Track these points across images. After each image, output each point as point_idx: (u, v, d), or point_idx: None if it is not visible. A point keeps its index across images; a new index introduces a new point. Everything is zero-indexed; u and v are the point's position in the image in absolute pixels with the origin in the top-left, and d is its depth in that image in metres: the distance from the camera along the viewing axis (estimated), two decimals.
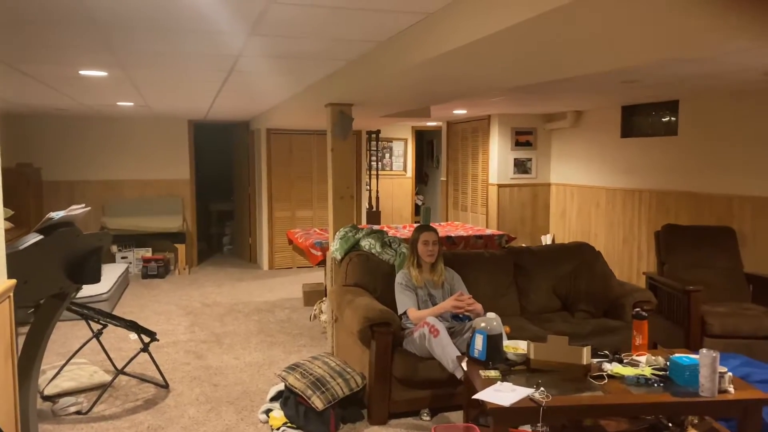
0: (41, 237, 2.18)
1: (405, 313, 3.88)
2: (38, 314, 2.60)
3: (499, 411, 2.67)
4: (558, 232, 8.03)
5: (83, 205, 2.44)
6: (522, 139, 7.96)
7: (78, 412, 3.83)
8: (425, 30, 2.77)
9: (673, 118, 6.09)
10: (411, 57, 2.98)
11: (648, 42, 2.38)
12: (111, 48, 3.40)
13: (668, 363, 3.03)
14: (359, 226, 4.78)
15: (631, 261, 6.65)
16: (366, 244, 4.51)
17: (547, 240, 8.08)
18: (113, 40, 3.19)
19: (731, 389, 2.82)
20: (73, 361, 4.39)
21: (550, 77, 3.29)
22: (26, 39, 3.19)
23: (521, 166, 7.98)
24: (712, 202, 5.57)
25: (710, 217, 5.56)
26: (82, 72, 4.20)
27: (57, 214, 2.22)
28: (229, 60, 3.75)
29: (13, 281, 1.74)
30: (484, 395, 2.78)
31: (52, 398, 3.99)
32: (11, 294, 1.74)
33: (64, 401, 3.89)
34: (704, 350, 2.78)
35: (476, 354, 3.21)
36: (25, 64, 3.95)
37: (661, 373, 2.99)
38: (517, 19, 2.08)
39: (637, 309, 3.45)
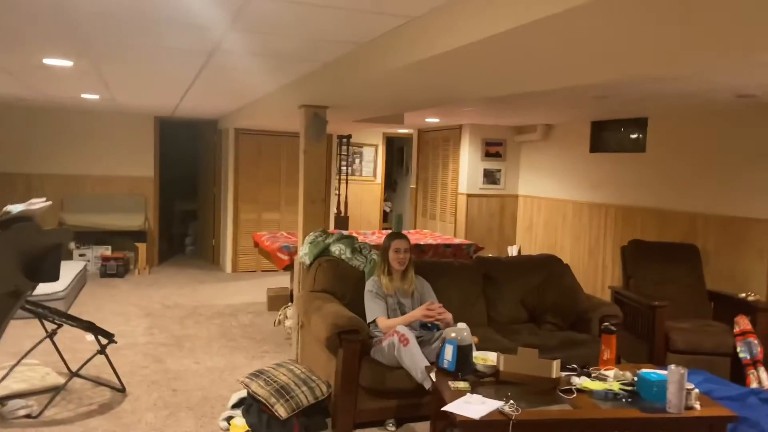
0: None
1: (374, 321, 3.82)
2: None
3: (468, 423, 2.64)
4: (524, 243, 8.08)
5: (44, 199, 2.32)
6: (492, 150, 8.00)
7: (28, 416, 3.65)
8: (407, 34, 2.73)
9: (641, 135, 6.19)
10: (391, 61, 2.93)
11: (628, 56, 2.39)
12: (79, 36, 3.26)
13: (636, 378, 3.04)
14: (329, 231, 4.71)
15: (595, 274, 6.73)
16: (336, 249, 4.44)
17: (513, 251, 8.12)
18: (82, 27, 3.06)
19: (697, 406, 2.84)
20: (24, 362, 4.18)
21: (528, 88, 3.30)
22: None
23: (490, 177, 8.02)
24: (677, 219, 5.67)
25: (675, 233, 5.65)
26: (46, 61, 4.03)
27: (15, 208, 2.09)
28: (203, 55, 3.65)
29: None
30: (454, 407, 2.74)
31: (0, 400, 3.80)
32: None
33: (13, 404, 3.70)
34: (672, 367, 2.79)
35: (445, 365, 3.17)
36: None
37: (629, 388, 2.99)
38: (502, 27, 2.06)
39: (606, 323, 3.47)
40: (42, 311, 3.98)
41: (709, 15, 1.73)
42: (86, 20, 2.89)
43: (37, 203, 2.24)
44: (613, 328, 3.37)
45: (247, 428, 3.51)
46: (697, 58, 2.40)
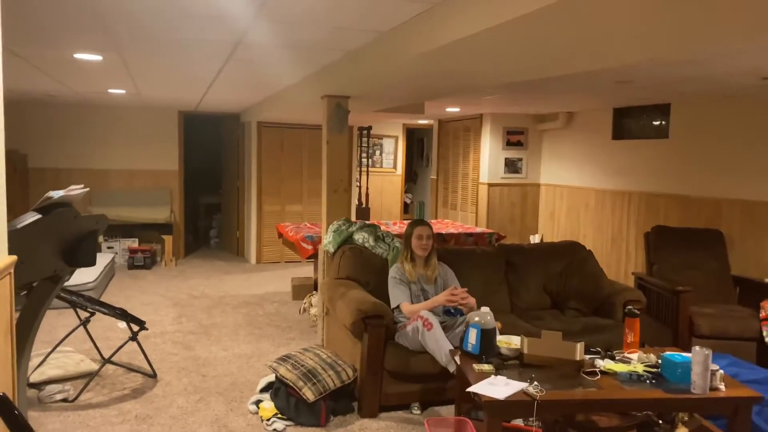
0: (39, 216, 2.14)
1: (398, 307, 3.87)
2: (30, 297, 2.56)
3: (493, 404, 2.68)
4: (546, 232, 8.07)
5: (82, 185, 2.41)
6: (513, 138, 7.99)
7: (64, 400, 3.78)
8: (429, 20, 2.77)
9: (664, 122, 6.14)
10: (413, 48, 2.97)
11: (644, 39, 2.40)
12: (109, 31, 3.35)
13: (660, 360, 3.05)
14: (352, 220, 4.77)
15: (619, 262, 6.71)
16: (359, 237, 4.50)
17: (535, 240, 8.12)
18: (112, 22, 3.15)
19: (722, 387, 2.85)
20: (59, 349, 4.33)
21: (550, 73, 3.30)
22: (22, 20, 3.13)
23: (512, 166, 8.02)
24: (701, 205, 5.63)
25: (699, 219, 5.62)
26: (76, 55, 4.14)
27: (56, 194, 2.18)
28: (228, 46, 3.72)
29: (14, 257, 1.70)
30: (478, 388, 2.78)
31: (37, 386, 3.93)
32: (12, 271, 1.70)
33: (50, 389, 3.83)
34: (697, 348, 2.80)
35: (470, 348, 3.21)
36: (20, 47, 3.89)
37: (653, 370, 3.01)
38: (525, 10, 2.09)
39: (629, 307, 3.48)
40: (77, 299, 4.11)
41: None
42: (115, 14, 2.98)
43: (76, 189, 2.32)
44: (636, 311, 3.38)
45: (276, 411, 3.59)
46: (720, 39, 2.39)
